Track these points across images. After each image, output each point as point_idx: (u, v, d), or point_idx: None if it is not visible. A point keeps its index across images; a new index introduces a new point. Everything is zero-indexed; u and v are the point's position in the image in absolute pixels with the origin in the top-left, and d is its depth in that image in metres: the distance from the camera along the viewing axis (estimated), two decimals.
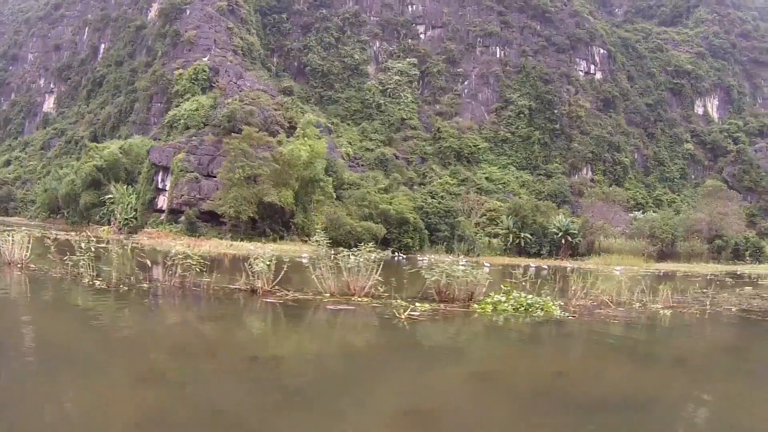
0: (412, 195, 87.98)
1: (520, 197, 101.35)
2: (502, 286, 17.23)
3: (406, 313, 14.03)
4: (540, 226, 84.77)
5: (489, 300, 16.38)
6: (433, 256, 65.56)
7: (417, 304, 15.67)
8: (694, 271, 59.50)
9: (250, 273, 17.44)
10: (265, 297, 16.65)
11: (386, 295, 16.85)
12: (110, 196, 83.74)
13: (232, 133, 72.91)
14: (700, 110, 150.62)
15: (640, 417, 7.46)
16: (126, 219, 79.33)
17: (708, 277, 43.41)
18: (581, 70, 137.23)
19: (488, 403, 8.11)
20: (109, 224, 77.68)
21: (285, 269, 18.69)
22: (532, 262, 66.47)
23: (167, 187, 78.38)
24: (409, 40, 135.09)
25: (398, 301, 15.69)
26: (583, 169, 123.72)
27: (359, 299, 16.59)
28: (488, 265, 53.78)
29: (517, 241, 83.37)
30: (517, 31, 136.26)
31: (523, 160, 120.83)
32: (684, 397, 9.00)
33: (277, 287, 17.68)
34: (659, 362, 11.75)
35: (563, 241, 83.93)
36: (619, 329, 14.70)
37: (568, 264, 68.15)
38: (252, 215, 67.03)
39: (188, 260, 17.90)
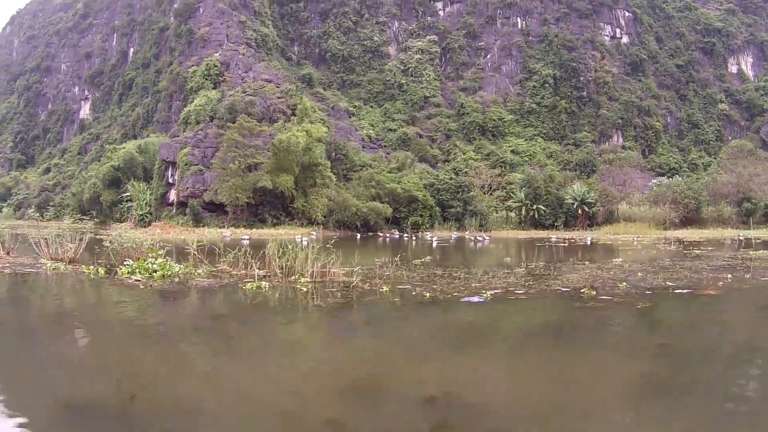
0: (428, 172, 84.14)
1: (551, 168, 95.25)
2: (149, 253, 18.31)
3: None
4: (555, 196, 79.00)
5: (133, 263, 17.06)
6: (429, 234, 64.52)
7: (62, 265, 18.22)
8: (695, 237, 53.94)
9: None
10: None
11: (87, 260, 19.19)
12: (127, 194, 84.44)
13: (228, 124, 72.29)
14: (733, 69, 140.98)
15: None
16: (141, 214, 78.36)
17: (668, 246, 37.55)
18: (606, 35, 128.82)
19: None
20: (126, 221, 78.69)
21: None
22: (546, 234, 66.07)
23: (176, 181, 77.73)
24: (428, 18, 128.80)
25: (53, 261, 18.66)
26: (613, 136, 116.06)
27: (58, 263, 18.62)
28: (434, 237, 55.54)
29: (531, 213, 77.93)
30: (537, 0, 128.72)
31: (551, 130, 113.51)
32: None
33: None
34: None
35: (579, 211, 77.69)
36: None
37: (555, 235, 63.48)
38: (248, 201, 65.91)
39: None
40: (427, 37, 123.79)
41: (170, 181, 79.48)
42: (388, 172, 79.49)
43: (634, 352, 8.61)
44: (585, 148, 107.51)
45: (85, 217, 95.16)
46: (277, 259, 16.41)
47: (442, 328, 10.81)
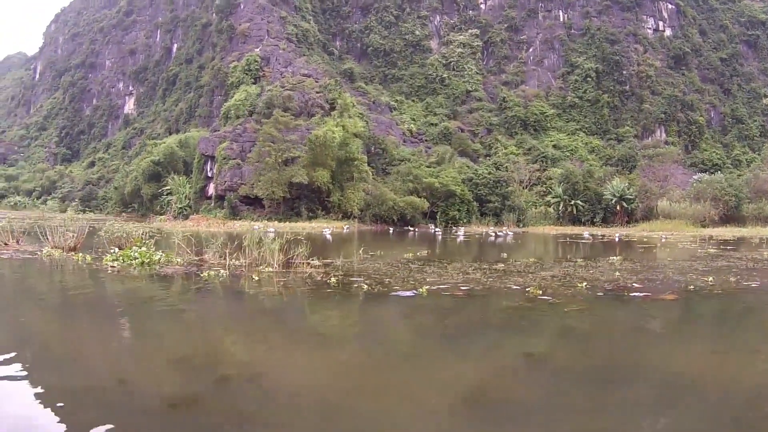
0: (468, 167, 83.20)
1: (592, 164, 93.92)
2: (135, 244, 18.99)
3: None
4: (593, 192, 77.51)
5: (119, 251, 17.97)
6: (462, 229, 64.57)
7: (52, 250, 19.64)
8: (728, 235, 52.80)
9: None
10: None
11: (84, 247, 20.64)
12: (167, 187, 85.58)
13: (263, 118, 72.63)
14: None
15: None
16: (180, 207, 79.75)
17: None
18: (649, 28, 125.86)
19: None
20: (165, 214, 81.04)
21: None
22: (581, 230, 64.80)
23: (214, 175, 78.36)
24: (470, 12, 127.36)
25: (54, 249, 19.86)
26: (656, 131, 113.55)
27: (55, 251, 19.71)
28: (462, 232, 56.77)
29: (569, 209, 76.76)
30: None
31: (593, 124, 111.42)
32: None
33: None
34: None
35: (618, 208, 76.09)
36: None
37: (588, 231, 61.81)
38: (284, 195, 65.94)
39: None
40: (469, 30, 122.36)
41: (209, 174, 79.90)
42: (427, 167, 78.89)
43: (491, 361, 7.82)
44: (627, 143, 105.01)
45: (126, 210, 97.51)
46: (248, 250, 17.16)
47: (331, 320, 10.68)
